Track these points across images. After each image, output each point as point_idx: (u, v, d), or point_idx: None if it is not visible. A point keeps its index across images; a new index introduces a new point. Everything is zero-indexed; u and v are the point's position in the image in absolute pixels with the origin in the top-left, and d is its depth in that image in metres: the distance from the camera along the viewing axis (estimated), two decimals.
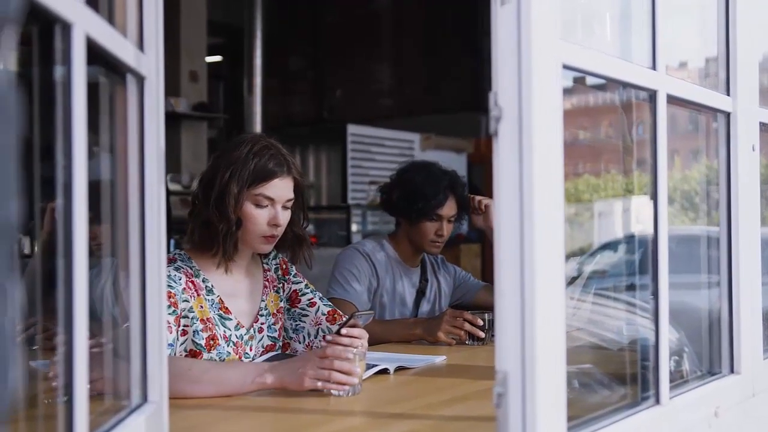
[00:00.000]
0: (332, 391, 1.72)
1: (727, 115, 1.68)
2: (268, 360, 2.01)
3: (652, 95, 1.40)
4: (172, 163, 6.55)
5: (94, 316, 1.17)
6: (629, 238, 1.81)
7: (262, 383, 1.74)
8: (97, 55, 1.02)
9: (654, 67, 1.40)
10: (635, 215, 1.75)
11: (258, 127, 7.59)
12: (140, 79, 1.19)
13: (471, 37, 8.02)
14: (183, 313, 1.93)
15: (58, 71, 0.92)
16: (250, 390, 1.75)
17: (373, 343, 2.38)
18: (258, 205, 1.99)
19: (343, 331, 1.87)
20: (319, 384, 1.70)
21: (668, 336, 1.61)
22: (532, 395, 1.04)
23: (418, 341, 2.58)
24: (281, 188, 2.01)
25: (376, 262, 2.83)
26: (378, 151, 7.66)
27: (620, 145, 1.70)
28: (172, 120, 6.59)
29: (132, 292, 1.19)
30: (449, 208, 2.82)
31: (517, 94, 1.07)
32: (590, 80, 1.40)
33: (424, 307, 2.96)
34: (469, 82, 8.12)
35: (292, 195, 2.04)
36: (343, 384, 1.71)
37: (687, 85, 1.58)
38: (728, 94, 1.68)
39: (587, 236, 1.92)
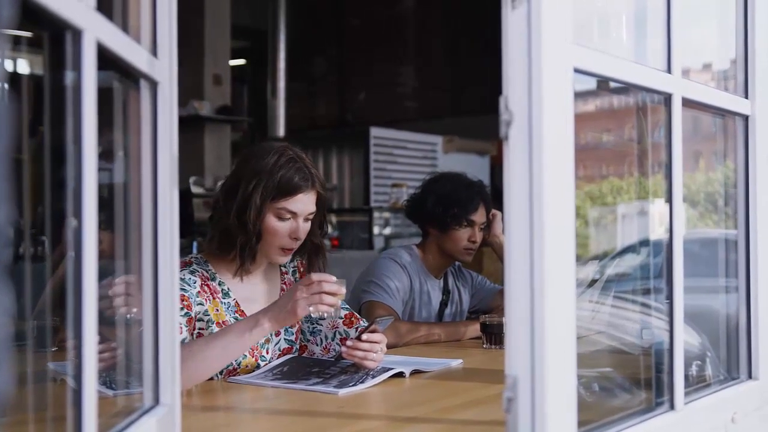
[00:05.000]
0: (323, 313, 1.83)
1: (746, 118, 1.67)
2: (283, 363, 2.01)
3: (667, 99, 1.39)
4: (196, 166, 6.59)
5: (108, 323, 1.18)
6: (651, 241, 1.80)
7: (260, 330, 1.82)
8: (109, 60, 1.03)
9: (669, 71, 1.39)
10: (658, 218, 1.73)
11: (281, 130, 7.64)
12: (153, 85, 1.20)
13: (493, 39, 8.00)
14: (198, 316, 1.95)
15: (70, 77, 0.93)
16: (254, 342, 1.85)
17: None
18: (280, 218, 2.00)
19: (364, 336, 1.89)
20: (311, 308, 1.80)
21: (691, 340, 1.59)
22: (541, 400, 1.04)
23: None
24: (305, 202, 2.01)
25: (411, 272, 2.85)
26: (401, 154, 7.67)
27: (643, 148, 1.69)
28: (196, 123, 6.64)
29: (145, 296, 1.20)
30: (481, 214, 2.85)
31: (528, 98, 1.07)
32: (613, 83, 1.39)
33: (447, 317, 2.96)
34: (491, 84, 8.09)
35: (314, 208, 2.04)
36: (332, 305, 1.82)
37: (703, 88, 1.57)
38: (747, 97, 1.67)
39: (611, 239, 1.91)
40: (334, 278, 1.86)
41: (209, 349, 1.80)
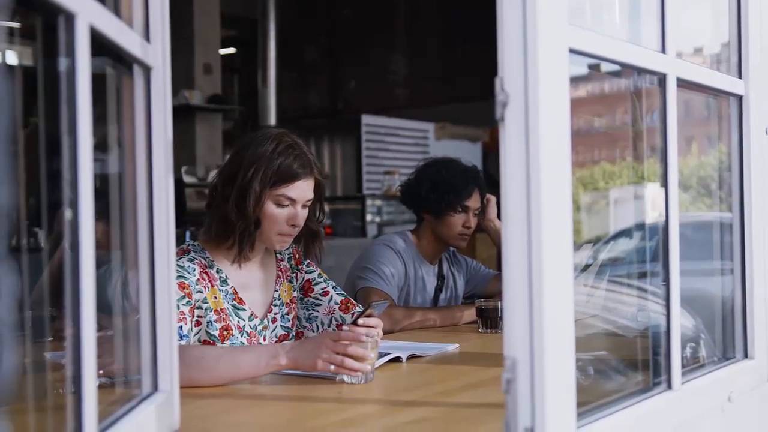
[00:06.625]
0: (344, 377, 1.73)
1: (739, 98, 1.67)
2: None
3: (662, 79, 1.39)
4: (188, 156, 6.56)
5: (107, 313, 1.18)
6: (645, 225, 1.80)
7: (276, 365, 1.74)
8: (102, 46, 1.02)
9: (663, 51, 1.39)
10: (651, 202, 1.74)
11: (273, 119, 7.61)
12: (147, 70, 1.19)
13: (486, 26, 7.98)
14: (197, 304, 1.94)
15: (63, 63, 0.92)
16: (265, 373, 1.76)
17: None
18: (279, 205, 1.99)
19: (360, 321, 1.88)
20: (332, 368, 1.71)
21: (684, 323, 1.60)
22: (540, 381, 1.04)
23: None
24: (303, 189, 2.01)
25: (406, 258, 2.85)
26: (392, 141, 7.67)
27: (636, 132, 1.69)
28: (187, 112, 6.61)
29: (142, 282, 1.19)
30: (476, 200, 2.85)
31: (523, 78, 1.06)
32: (606, 67, 1.39)
33: (442, 302, 2.97)
34: (484, 71, 8.08)
35: (312, 195, 2.04)
36: (356, 370, 1.71)
37: (697, 68, 1.57)
38: (740, 77, 1.67)
39: (603, 223, 1.91)
40: (365, 338, 1.72)
41: (221, 364, 1.74)
